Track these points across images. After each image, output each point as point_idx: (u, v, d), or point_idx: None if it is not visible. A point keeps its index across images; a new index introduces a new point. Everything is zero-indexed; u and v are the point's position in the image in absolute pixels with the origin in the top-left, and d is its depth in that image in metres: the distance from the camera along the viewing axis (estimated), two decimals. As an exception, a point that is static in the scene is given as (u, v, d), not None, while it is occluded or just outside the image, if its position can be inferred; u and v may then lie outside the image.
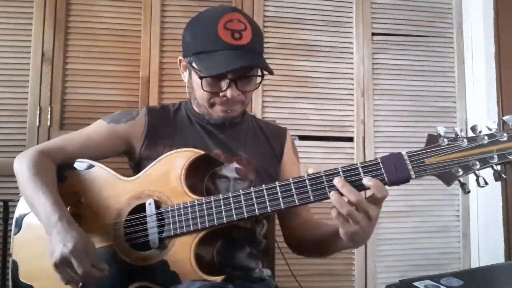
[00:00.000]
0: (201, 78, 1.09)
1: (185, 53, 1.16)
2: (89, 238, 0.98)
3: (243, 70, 1.09)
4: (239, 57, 1.05)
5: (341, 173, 0.90)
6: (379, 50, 2.27)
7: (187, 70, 1.18)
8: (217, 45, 1.06)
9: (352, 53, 2.25)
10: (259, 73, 1.14)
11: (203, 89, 1.10)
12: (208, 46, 1.07)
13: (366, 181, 0.87)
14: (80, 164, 1.15)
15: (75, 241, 0.93)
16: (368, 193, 0.88)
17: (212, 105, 1.14)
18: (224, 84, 1.09)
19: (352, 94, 2.23)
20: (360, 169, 0.90)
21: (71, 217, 1.00)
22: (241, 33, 1.07)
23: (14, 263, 1.12)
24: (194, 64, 1.11)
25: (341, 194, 0.87)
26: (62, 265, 0.93)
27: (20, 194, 1.17)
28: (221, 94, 1.10)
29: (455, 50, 2.33)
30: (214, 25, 1.06)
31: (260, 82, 1.16)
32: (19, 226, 1.14)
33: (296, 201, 0.93)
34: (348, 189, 0.87)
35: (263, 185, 0.95)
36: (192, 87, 1.17)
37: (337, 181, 0.88)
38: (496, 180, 0.84)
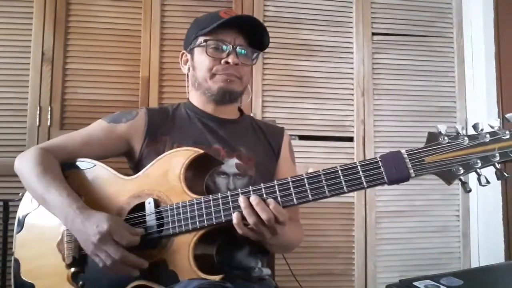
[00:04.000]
0: (206, 41, 1.19)
1: (187, 43, 1.27)
2: (111, 214, 1.01)
3: (243, 40, 1.21)
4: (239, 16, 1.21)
5: (339, 171, 0.91)
6: (379, 50, 2.27)
7: (188, 60, 1.27)
8: (218, 19, 1.17)
9: (352, 53, 2.25)
10: (257, 51, 1.26)
11: (207, 54, 1.18)
12: (210, 23, 1.18)
13: (270, 202, 0.93)
14: (82, 163, 1.16)
15: (106, 219, 0.96)
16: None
17: (213, 76, 1.20)
18: (225, 54, 1.18)
19: (352, 94, 2.23)
20: (359, 167, 0.90)
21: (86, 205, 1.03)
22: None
23: (16, 262, 1.13)
24: (199, 38, 1.21)
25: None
26: (103, 244, 0.95)
27: (20, 194, 1.18)
28: (222, 61, 1.18)
29: (455, 50, 2.33)
30: (216, 12, 1.22)
31: (257, 57, 1.27)
32: (21, 225, 1.15)
33: (295, 200, 0.93)
34: (261, 207, 0.92)
35: (261, 184, 0.96)
36: (194, 67, 1.24)
37: (253, 199, 0.93)
38: (498, 179, 0.83)
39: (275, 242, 1.03)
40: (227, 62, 1.18)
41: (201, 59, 1.21)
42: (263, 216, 0.92)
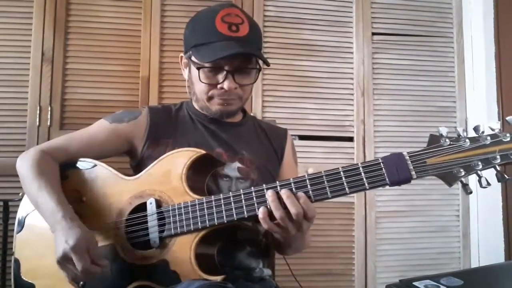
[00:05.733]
0: (198, 69, 1.11)
1: (185, 49, 1.20)
2: (91, 235, 0.99)
3: (240, 62, 1.11)
4: (235, 46, 1.07)
5: (341, 173, 0.91)
6: (379, 50, 2.27)
7: (187, 66, 1.20)
8: (214, 37, 1.09)
9: (352, 53, 2.25)
10: (256, 66, 1.16)
11: (201, 81, 1.12)
12: (205, 38, 1.10)
13: (300, 196, 0.91)
14: (83, 163, 1.15)
15: (77, 238, 0.93)
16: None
17: (210, 98, 1.16)
18: (221, 76, 1.11)
19: (352, 94, 2.23)
20: (361, 169, 0.90)
21: (74, 214, 1.01)
22: (238, 26, 1.10)
23: (16, 262, 1.12)
24: (192, 57, 1.14)
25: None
26: (64, 261, 0.94)
27: (20, 194, 1.18)
28: (218, 86, 1.12)
29: (455, 50, 2.33)
30: (212, 18, 1.10)
31: (257, 76, 1.18)
32: (21, 225, 1.15)
33: (297, 201, 0.93)
34: (291, 200, 0.91)
35: (264, 185, 0.96)
36: (192, 81, 1.19)
37: (284, 192, 0.92)
38: (498, 181, 0.84)
39: (296, 241, 1.03)
40: (223, 88, 1.11)
41: (196, 79, 1.14)
42: (292, 210, 0.90)
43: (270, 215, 0.93)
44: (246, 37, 1.11)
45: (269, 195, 0.92)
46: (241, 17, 1.13)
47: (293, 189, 0.93)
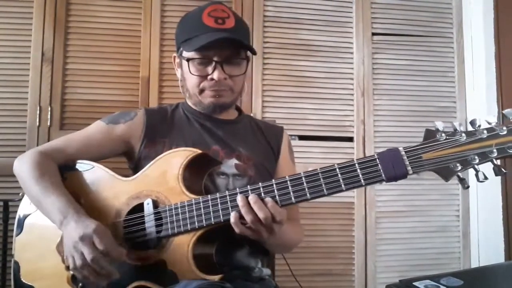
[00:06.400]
0: (188, 61, 1.14)
1: (176, 48, 1.22)
2: (105, 229, 0.97)
3: (228, 53, 1.14)
4: (221, 34, 1.11)
5: (337, 170, 0.91)
6: (379, 50, 2.27)
7: (180, 66, 1.23)
8: (201, 30, 1.12)
9: (352, 53, 2.25)
10: (245, 57, 1.19)
11: (191, 73, 1.15)
12: (193, 32, 1.14)
13: (267, 201, 0.93)
14: (81, 165, 1.16)
15: (96, 224, 0.95)
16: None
17: (202, 91, 1.18)
18: (210, 68, 1.14)
19: (352, 94, 2.23)
20: (356, 165, 0.90)
21: (85, 213, 1.02)
22: (224, 20, 1.14)
23: (16, 264, 1.13)
24: (183, 52, 1.17)
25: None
26: (81, 242, 0.92)
27: (20, 194, 1.18)
28: (209, 77, 1.14)
29: (455, 50, 2.33)
30: (199, 15, 1.14)
31: (247, 67, 1.20)
32: (21, 227, 1.15)
33: (293, 198, 0.93)
34: (259, 205, 0.93)
35: (260, 183, 0.96)
36: (184, 77, 1.21)
37: (251, 197, 0.94)
38: (496, 174, 0.83)
39: (273, 242, 1.04)
40: (213, 79, 1.14)
41: (187, 73, 1.17)
42: (260, 215, 0.92)
43: (241, 219, 0.94)
44: (233, 29, 1.14)
45: (239, 199, 0.94)
46: (227, 12, 1.16)
47: (289, 187, 0.93)
